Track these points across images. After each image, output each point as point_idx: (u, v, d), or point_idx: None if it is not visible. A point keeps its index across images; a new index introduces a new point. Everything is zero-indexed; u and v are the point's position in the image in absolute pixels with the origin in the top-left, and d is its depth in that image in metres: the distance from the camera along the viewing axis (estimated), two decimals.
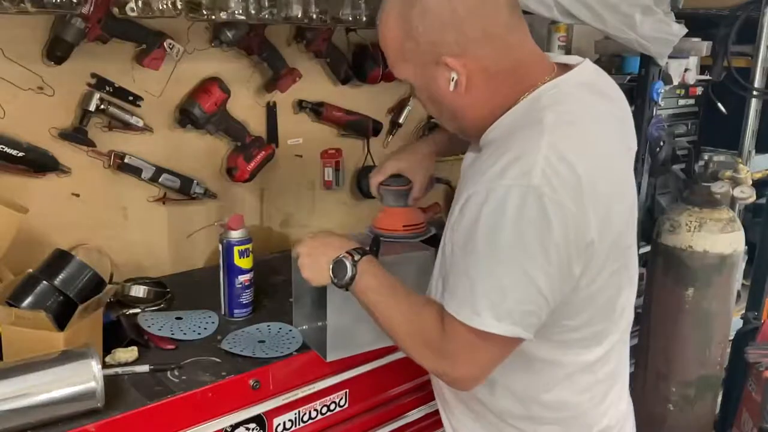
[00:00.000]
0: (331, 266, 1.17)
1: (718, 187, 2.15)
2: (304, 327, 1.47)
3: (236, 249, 1.50)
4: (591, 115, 1.07)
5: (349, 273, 1.15)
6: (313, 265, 1.21)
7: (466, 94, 1.05)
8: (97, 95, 1.60)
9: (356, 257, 1.15)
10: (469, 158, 1.20)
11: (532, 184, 0.93)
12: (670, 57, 2.05)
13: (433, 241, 1.61)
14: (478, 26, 1.01)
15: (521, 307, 0.97)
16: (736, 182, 2.17)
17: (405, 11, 1.03)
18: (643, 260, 2.39)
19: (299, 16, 1.66)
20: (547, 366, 1.12)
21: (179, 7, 1.46)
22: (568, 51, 2.45)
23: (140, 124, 1.69)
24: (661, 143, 2.23)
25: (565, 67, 1.10)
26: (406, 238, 1.39)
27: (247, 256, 1.52)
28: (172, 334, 1.43)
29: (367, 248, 1.21)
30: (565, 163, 0.96)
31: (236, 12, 1.54)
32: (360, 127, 2.15)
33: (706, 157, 2.31)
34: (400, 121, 2.25)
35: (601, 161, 1.02)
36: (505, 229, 0.95)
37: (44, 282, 1.28)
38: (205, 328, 1.47)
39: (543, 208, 0.93)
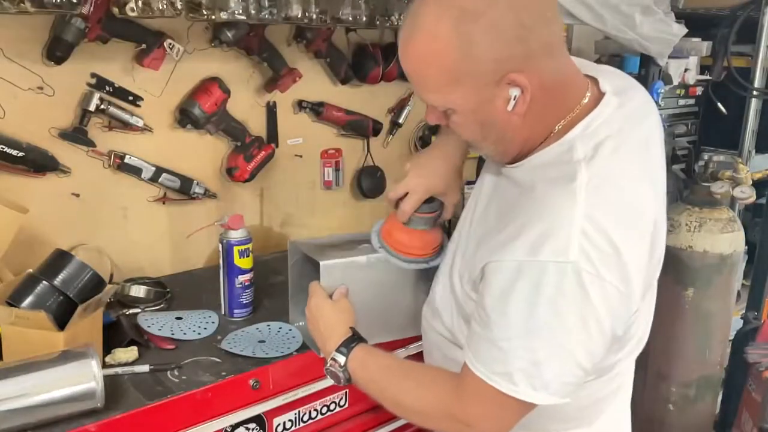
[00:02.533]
0: (326, 373, 1.18)
1: (718, 187, 2.15)
2: (301, 323, 1.47)
3: (236, 249, 1.50)
4: (624, 161, 0.99)
5: (343, 378, 1.14)
6: (313, 336, 1.25)
7: (524, 114, 0.96)
8: (97, 95, 1.60)
9: (341, 361, 1.14)
10: (491, 180, 1.13)
11: (570, 260, 0.89)
12: (670, 57, 2.06)
13: None
14: (543, 37, 0.93)
15: (559, 380, 0.94)
16: (736, 182, 2.17)
17: (463, 27, 0.89)
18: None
19: (299, 16, 1.66)
20: None
21: (179, 7, 1.46)
22: (568, 51, 2.45)
23: (140, 124, 1.69)
24: None
25: (594, 85, 1.04)
26: (431, 261, 1.30)
27: (247, 256, 1.52)
28: (172, 334, 1.43)
29: (355, 337, 1.17)
30: (602, 235, 0.91)
31: (236, 12, 1.54)
32: (360, 127, 2.15)
33: (706, 157, 2.31)
34: (400, 121, 2.25)
35: (635, 214, 0.97)
36: (541, 307, 0.91)
37: (44, 282, 1.28)
38: (205, 328, 1.47)
39: (582, 284, 0.90)
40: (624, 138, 1.00)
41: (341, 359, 1.14)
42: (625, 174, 0.98)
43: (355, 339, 1.16)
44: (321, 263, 1.27)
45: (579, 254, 0.89)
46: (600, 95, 1.02)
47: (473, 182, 2.29)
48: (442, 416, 1.04)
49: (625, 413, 1.27)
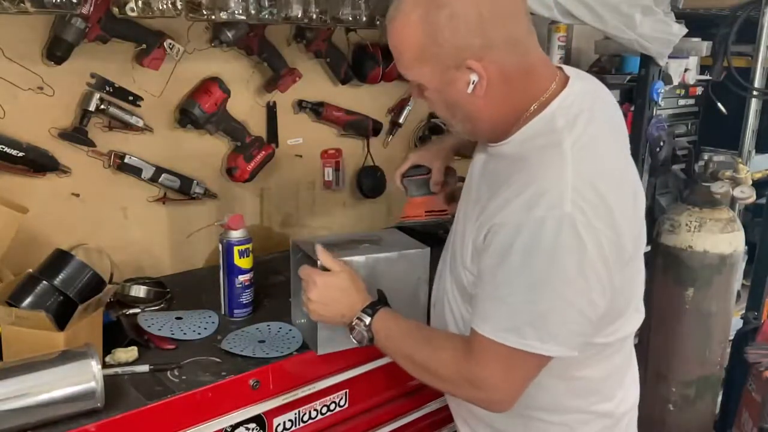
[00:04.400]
0: (349, 334, 1.23)
1: (718, 187, 2.15)
2: (302, 321, 1.47)
3: (236, 249, 1.50)
4: (600, 131, 1.09)
5: (366, 338, 1.21)
6: (326, 317, 1.26)
7: (483, 97, 1.06)
8: (97, 95, 1.60)
9: (366, 321, 1.20)
10: (480, 161, 1.22)
11: (566, 211, 0.97)
12: (670, 57, 2.05)
13: (431, 240, 1.61)
14: (502, 31, 1.03)
15: (564, 329, 1.01)
16: (736, 182, 2.17)
17: (430, 15, 1.02)
18: (643, 260, 2.39)
19: (299, 16, 1.66)
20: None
21: (179, 7, 1.46)
22: (568, 51, 2.45)
23: (140, 124, 1.69)
24: (661, 143, 2.23)
25: (561, 71, 1.13)
26: (429, 224, 1.47)
27: (247, 256, 1.52)
28: (172, 334, 1.42)
29: (377, 300, 1.24)
30: (593, 190, 0.99)
31: (236, 12, 1.54)
32: (360, 127, 2.15)
33: (706, 157, 2.31)
34: (400, 121, 2.25)
35: (617, 177, 1.07)
36: (542, 259, 0.98)
37: (44, 282, 1.28)
38: (205, 328, 1.47)
39: (577, 234, 0.97)
40: (595, 113, 1.10)
41: (367, 319, 1.20)
42: (600, 141, 1.08)
43: (380, 302, 1.23)
44: (318, 262, 1.27)
45: (573, 207, 0.97)
46: (566, 80, 1.12)
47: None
48: (457, 379, 1.10)
49: (636, 383, 1.33)
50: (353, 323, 1.21)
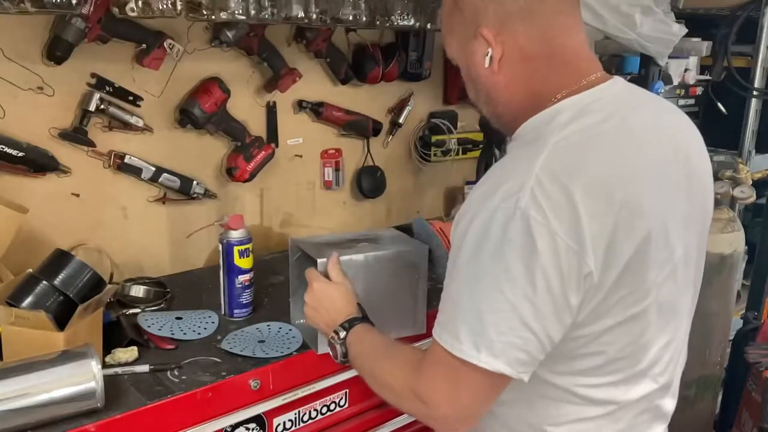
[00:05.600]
0: (327, 345, 1.20)
1: (718, 187, 2.15)
2: (302, 321, 1.47)
3: (236, 249, 1.50)
4: (607, 136, 0.94)
5: (339, 353, 1.16)
6: (315, 322, 1.25)
7: (501, 74, 1.00)
8: (97, 95, 1.60)
9: (342, 335, 1.16)
10: None
11: (519, 206, 0.86)
12: (670, 57, 2.06)
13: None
14: (520, 1, 0.96)
15: (503, 338, 0.88)
16: (736, 182, 2.17)
17: None
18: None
19: (299, 16, 1.66)
20: (560, 395, 1.01)
21: (179, 7, 1.46)
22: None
23: (140, 124, 1.69)
24: None
25: (608, 75, 1.03)
26: None
27: (247, 256, 1.52)
28: (172, 334, 1.42)
29: (359, 316, 1.19)
30: (558, 185, 0.87)
31: (236, 12, 1.54)
32: (360, 127, 2.15)
33: None
34: (400, 121, 2.25)
35: (605, 189, 0.90)
36: (487, 254, 0.88)
37: (44, 282, 1.28)
38: (205, 328, 1.47)
39: (529, 233, 0.86)
40: (625, 120, 0.97)
41: (342, 333, 1.16)
42: (606, 147, 0.93)
43: (360, 318, 1.19)
44: (318, 261, 1.28)
45: (530, 201, 0.86)
46: (606, 80, 1.01)
47: (473, 182, 2.29)
48: (406, 393, 1.00)
49: None
50: (331, 336, 1.18)
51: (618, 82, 1.02)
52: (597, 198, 0.89)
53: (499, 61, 0.99)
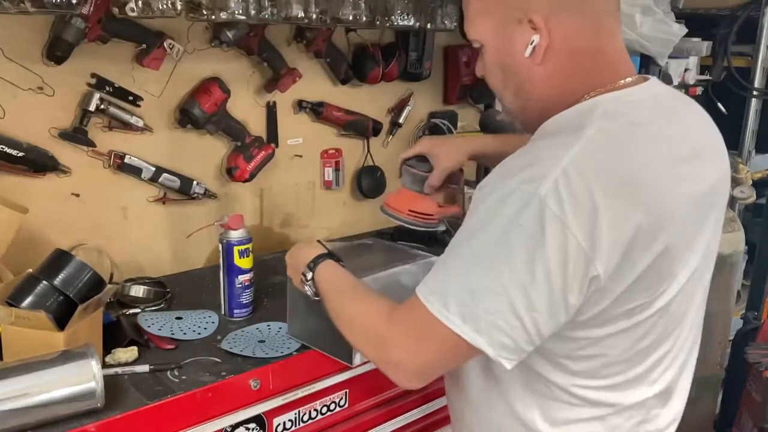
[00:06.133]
0: (300, 280, 1.21)
1: None
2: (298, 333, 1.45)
3: (236, 249, 1.50)
4: (641, 137, 0.92)
5: (311, 293, 1.18)
6: (292, 277, 1.27)
7: (541, 65, 0.95)
8: (97, 95, 1.60)
9: (308, 275, 1.17)
10: None
11: (538, 192, 0.83)
12: (670, 57, 2.06)
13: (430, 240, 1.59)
14: None
15: (489, 319, 0.87)
16: (736, 182, 2.17)
17: None
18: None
19: (299, 16, 1.66)
20: (557, 395, 1.01)
21: (179, 7, 1.46)
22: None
23: (140, 124, 1.69)
24: None
25: (643, 78, 1.01)
26: (407, 223, 1.35)
27: (247, 256, 1.52)
28: (172, 334, 1.42)
29: (325, 253, 1.20)
30: (584, 183, 0.84)
31: (236, 12, 1.54)
32: (360, 127, 2.15)
33: None
34: (400, 121, 2.25)
35: (631, 192, 0.87)
36: (494, 232, 0.87)
37: (44, 282, 1.28)
38: (205, 328, 1.47)
39: (541, 222, 0.83)
40: (651, 125, 0.94)
41: (309, 274, 1.17)
42: (633, 145, 0.90)
43: (322, 256, 1.19)
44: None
45: (551, 190, 0.83)
46: (642, 82, 0.98)
47: (474, 181, 2.28)
48: (369, 334, 1.02)
49: None
50: (300, 278, 1.20)
51: (656, 86, 1.00)
52: (621, 204, 0.86)
53: (544, 52, 0.94)
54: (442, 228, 1.38)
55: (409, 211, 1.35)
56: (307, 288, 1.19)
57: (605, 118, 0.91)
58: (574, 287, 0.86)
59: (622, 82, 0.96)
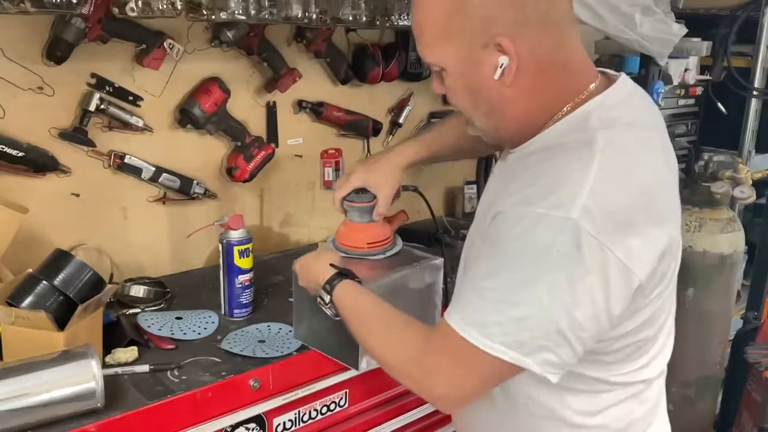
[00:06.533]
0: (318, 302, 1.19)
1: (718, 187, 2.15)
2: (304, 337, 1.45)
3: (236, 249, 1.50)
4: (641, 141, 0.96)
5: (332, 315, 1.17)
6: (306, 285, 1.27)
7: (512, 87, 0.93)
8: (97, 95, 1.60)
9: (326, 299, 1.16)
10: (498, 168, 1.11)
11: (571, 216, 0.84)
12: (670, 57, 2.05)
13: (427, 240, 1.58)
14: (540, 7, 0.90)
15: (535, 342, 0.88)
16: (736, 182, 2.17)
17: None
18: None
19: (299, 16, 1.66)
20: (594, 387, 1.03)
21: (179, 7, 1.46)
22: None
23: (140, 124, 1.69)
24: None
25: (605, 75, 1.01)
26: (369, 256, 1.33)
27: (247, 256, 1.52)
28: (172, 334, 1.42)
29: (342, 272, 1.18)
30: (612, 202, 0.87)
31: (236, 12, 1.54)
32: (360, 127, 2.15)
33: (706, 157, 2.32)
34: (400, 121, 2.25)
35: (647, 196, 0.92)
36: (529, 257, 0.87)
37: (44, 282, 1.28)
38: (205, 328, 1.47)
39: (578, 245, 0.84)
40: (639, 121, 0.98)
41: (326, 297, 1.16)
42: (639, 152, 0.95)
43: (337, 276, 1.17)
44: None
45: (582, 212, 0.85)
46: (608, 83, 0.99)
47: (473, 182, 2.28)
48: (404, 362, 1.00)
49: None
50: (318, 301, 1.18)
51: (626, 81, 1.01)
52: (644, 209, 0.90)
53: (513, 73, 0.92)
54: (399, 246, 1.36)
55: (367, 244, 1.32)
56: (326, 310, 1.17)
57: (604, 127, 0.93)
58: (618, 300, 0.89)
59: (593, 86, 0.97)
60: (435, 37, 0.95)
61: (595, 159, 0.88)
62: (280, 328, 1.48)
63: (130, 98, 1.67)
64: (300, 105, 2.01)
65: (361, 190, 1.30)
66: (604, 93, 0.97)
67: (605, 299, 0.87)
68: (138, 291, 1.58)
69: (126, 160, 1.69)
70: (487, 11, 0.90)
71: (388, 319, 1.08)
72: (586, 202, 0.85)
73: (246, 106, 1.91)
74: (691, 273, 2.15)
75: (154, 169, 1.74)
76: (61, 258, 1.33)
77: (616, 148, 0.91)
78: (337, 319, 1.16)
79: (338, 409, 1.48)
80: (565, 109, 0.96)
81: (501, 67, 0.92)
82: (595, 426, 1.05)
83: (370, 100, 2.17)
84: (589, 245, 0.85)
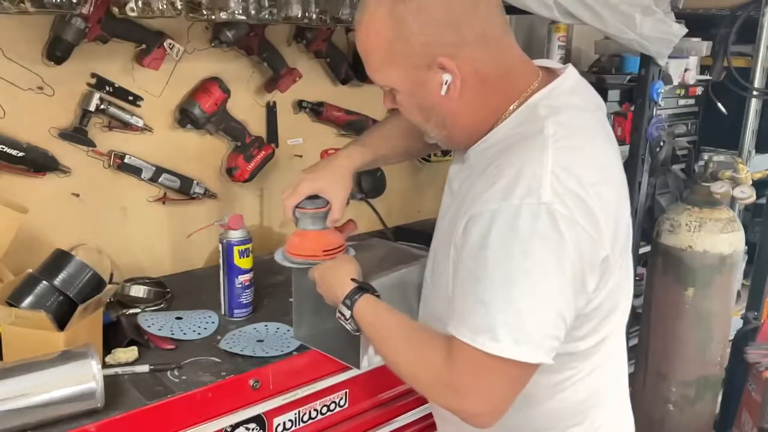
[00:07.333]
0: (337, 316, 1.18)
1: (718, 187, 2.15)
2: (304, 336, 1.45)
3: (236, 249, 1.50)
4: (586, 125, 1.04)
5: (352, 330, 1.16)
6: (323, 294, 1.25)
7: (459, 99, 1.00)
8: (97, 95, 1.60)
9: (347, 314, 1.14)
10: (456, 169, 1.16)
11: (543, 201, 0.90)
12: (670, 57, 2.05)
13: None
14: (476, 27, 0.97)
15: (542, 331, 0.92)
16: (736, 182, 2.17)
17: (397, 9, 0.97)
18: (643, 260, 2.39)
19: (299, 16, 1.66)
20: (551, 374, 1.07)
21: (179, 7, 1.46)
22: (568, 51, 2.45)
23: (140, 124, 1.69)
24: (661, 143, 2.23)
25: (548, 71, 1.07)
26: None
27: (247, 256, 1.52)
28: (172, 334, 1.43)
29: (363, 287, 1.17)
30: (573, 179, 0.93)
31: (236, 12, 1.54)
32: (360, 127, 2.15)
33: (706, 157, 2.31)
34: None
35: (603, 172, 1.00)
36: (518, 251, 0.90)
37: (44, 282, 1.28)
38: (205, 328, 1.47)
39: (556, 227, 0.90)
40: (583, 107, 1.05)
41: (346, 312, 1.15)
42: (587, 133, 1.02)
43: (357, 291, 1.16)
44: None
45: (552, 196, 0.90)
46: (551, 77, 1.05)
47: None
48: (438, 386, 1.01)
49: (625, 409, 1.25)
50: (337, 315, 1.17)
51: (571, 75, 1.07)
52: (603, 189, 0.97)
53: (459, 89, 0.99)
54: (352, 253, 1.34)
55: (324, 252, 1.29)
56: (345, 324, 1.16)
57: (553, 113, 0.99)
58: (593, 273, 0.96)
59: (536, 83, 1.04)
60: (381, 62, 1.02)
61: (548, 142, 0.95)
62: (278, 328, 1.48)
63: (130, 98, 1.67)
64: (300, 105, 2.01)
65: (313, 197, 1.28)
66: (549, 86, 1.03)
67: (582, 273, 0.94)
68: (138, 291, 1.58)
69: (126, 160, 1.69)
70: (426, 37, 0.97)
71: (412, 336, 1.09)
72: (552, 183, 0.91)
73: (246, 106, 1.91)
74: (691, 273, 2.15)
75: (154, 169, 1.74)
76: (61, 258, 1.33)
77: (566, 129, 0.98)
78: (357, 333, 1.16)
79: (338, 409, 1.48)
80: (511, 107, 1.03)
81: (446, 83, 0.99)
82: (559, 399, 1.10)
83: (370, 100, 2.17)
84: (565, 225, 0.90)
